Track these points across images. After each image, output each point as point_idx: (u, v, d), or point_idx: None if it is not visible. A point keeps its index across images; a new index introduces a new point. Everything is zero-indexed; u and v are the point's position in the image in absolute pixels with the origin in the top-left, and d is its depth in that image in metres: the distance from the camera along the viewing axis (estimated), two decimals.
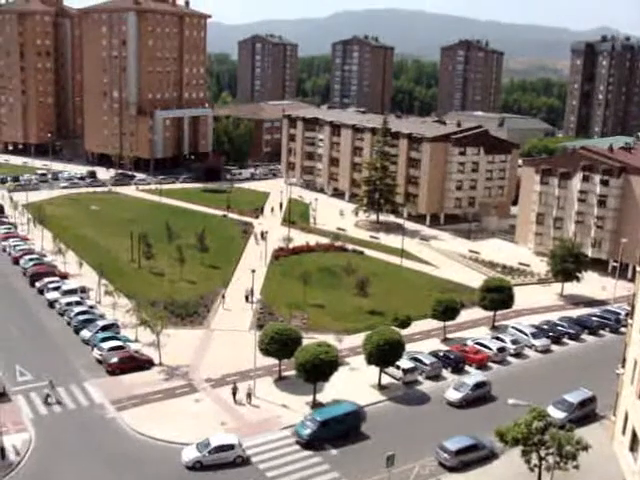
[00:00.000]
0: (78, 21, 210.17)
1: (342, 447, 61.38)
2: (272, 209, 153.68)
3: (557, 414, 65.22)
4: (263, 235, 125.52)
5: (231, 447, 58.25)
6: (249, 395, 69.10)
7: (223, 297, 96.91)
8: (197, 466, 57.40)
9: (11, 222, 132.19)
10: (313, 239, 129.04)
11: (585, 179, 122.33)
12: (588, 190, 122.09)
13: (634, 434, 56.95)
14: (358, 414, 64.38)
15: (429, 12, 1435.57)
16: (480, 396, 70.89)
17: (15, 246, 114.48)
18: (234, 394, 69.14)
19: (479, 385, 71.29)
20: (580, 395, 68.89)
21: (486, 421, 63.22)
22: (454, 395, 70.21)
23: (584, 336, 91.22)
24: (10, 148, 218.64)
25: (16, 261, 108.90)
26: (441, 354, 79.82)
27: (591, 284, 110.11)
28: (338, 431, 62.12)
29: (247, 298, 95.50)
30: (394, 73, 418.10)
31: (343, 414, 63.30)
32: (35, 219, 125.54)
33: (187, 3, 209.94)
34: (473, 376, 73.74)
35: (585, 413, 67.97)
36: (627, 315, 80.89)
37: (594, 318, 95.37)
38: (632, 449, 57.53)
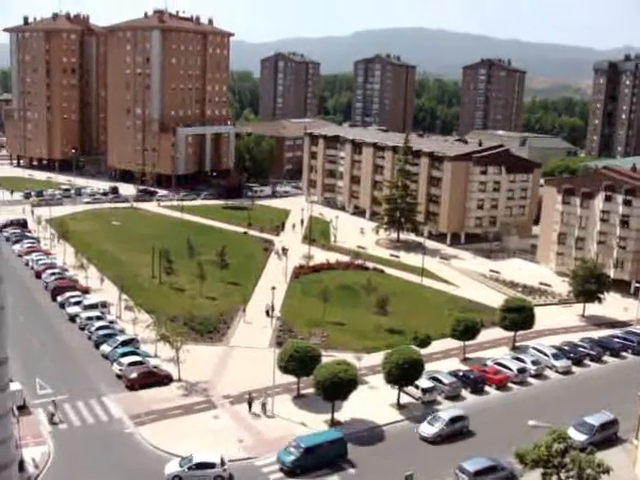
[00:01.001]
0: (104, 39, 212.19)
1: (361, 467, 61.06)
2: (293, 226, 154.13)
3: (578, 436, 64.59)
4: (284, 251, 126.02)
5: (212, 466, 57.78)
6: (263, 405, 69.72)
7: (244, 311, 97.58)
8: None
9: (34, 236, 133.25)
10: (333, 257, 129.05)
11: (607, 199, 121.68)
12: (610, 210, 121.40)
13: None
14: (344, 442, 62.23)
15: (452, 31, 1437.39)
16: (456, 431, 67.01)
17: (38, 260, 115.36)
18: (250, 404, 69.81)
19: (455, 419, 67.36)
20: (601, 418, 68.23)
21: (505, 443, 62.63)
22: (428, 430, 66.52)
23: (606, 358, 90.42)
24: (35, 163, 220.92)
25: (38, 275, 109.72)
26: (460, 374, 79.35)
27: (613, 305, 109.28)
28: (323, 458, 60.40)
29: (267, 313, 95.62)
30: (416, 92, 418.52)
31: (328, 441, 61.53)
32: (58, 234, 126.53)
33: (211, 21, 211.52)
34: (449, 410, 69.80)
35: (606, 436, 67.25)
36: None
37: (616, 339, 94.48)
38: None
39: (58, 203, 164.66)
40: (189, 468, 57.55)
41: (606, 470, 52.72)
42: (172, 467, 58.32)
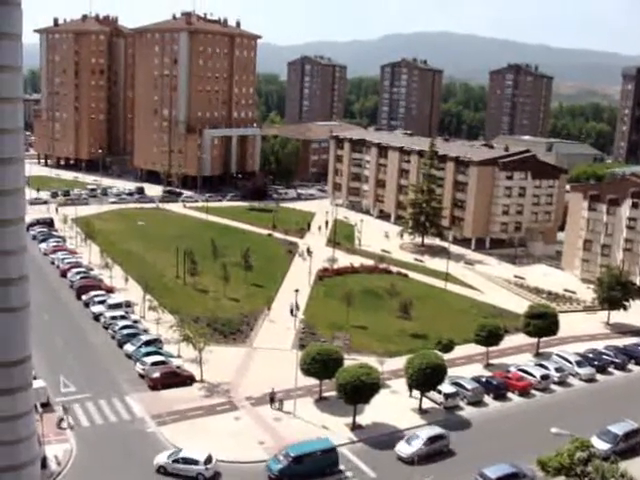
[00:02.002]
0: (132, 40, 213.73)
1: (380, 472, 60.90)
2: (319, 228, 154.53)
3: (601, 445, 63.98)
4: (309, 251, 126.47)
5: (195, 462, 58.33)
6: (281, 402, 70.78)
7: (269, 309, 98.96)
8: (161, 471, 58.70)
9: (60, 235, 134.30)
10: (357, 260, 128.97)
11: (634, 206, 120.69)
12: (637, 217, 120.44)
13: None
14: (335, 452, 60.69)
15: (480, 36, 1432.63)
16: (436, 451, 63.62)
17: (63, 259, 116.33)
18: (272, 400, 70.86)
19: (434, 439, 63.92)
20: (625, 427, 67.58)
21: (528, 450, 62.19)
22: (405, 449, 62.99)
23: (630, 366, 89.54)
24: (62, 163, 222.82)
25: (64, 274, 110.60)
26: (483, 380, 78.95)
27: (638, 313, 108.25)
28: (312, 468, 58.98)
29: (292, 312, 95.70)
30: (442, 96, 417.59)
31: (318, 451, 60.15)
32: (83, 233, 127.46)
33: (238, 24, 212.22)
34: (428, 429, 66.11)
35: (630, 445, 66.57)
36: None
37: None
38: None
39: (84, 203, 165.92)
40: (174, 461, 58.70)
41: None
42: (161, 457, 59.59)
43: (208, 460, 58.76)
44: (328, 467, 59.96)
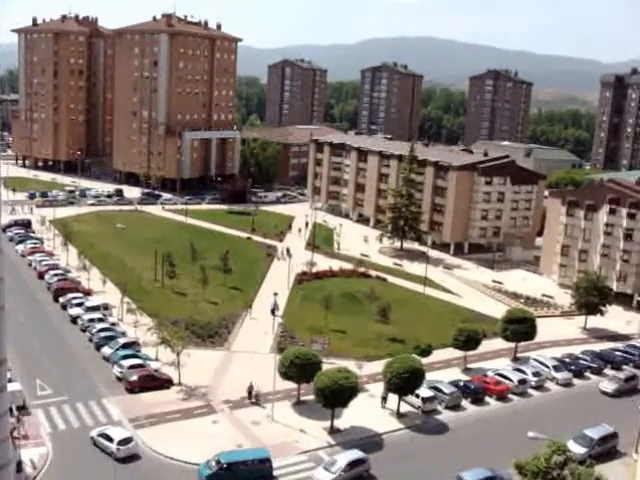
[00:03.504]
0: (112, 41, 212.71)
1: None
2: (299, 230, 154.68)
3: (577, 449, 64.45)
4: (289, 252, 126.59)
5: (111, 440, 61.05)
6: (257, 396, 72.06)
7: (250, 307, 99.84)
8: (92, 442, 62.59)
9: (38, 237, 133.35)
10: (336, 264, 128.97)
11: (612, 212, 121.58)
12: (614, 223, 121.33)
13: None
14: (270, 463, 59.40)
15: (460, 41, 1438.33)
16: (355, 477, 60.31)
17: (41, 261, 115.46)
18: (249, 393, 72.39)
19: (354, 464, 60.31)
20: (601, 431, 68.12)
21: (505, 454, 62.44)
22: (323, 476, 59.41)
23: (607, 371, 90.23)
24: (40, 164, 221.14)
25: (41, 276, 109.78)
26: (461, 384, 79.30)
27: (615, 318, 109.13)
28: (243, 477, 58.02)
29: (273, 311, 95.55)
30: (422, 101, 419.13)
31: (251, 460, 59.10)
32: (61, 235, 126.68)
33: (219, 26, 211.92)
34: (347, 453, 62.20)
35: (606, 449, 67.16)
36: None
37: (617, 353, 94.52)
38: None
39: (62, 204, 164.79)
40: (99, 435, 62.08)
41: None
42: (94, 431, 63.27)
43: (124, 441, 60.83)
44: (261, 478, 58.74)
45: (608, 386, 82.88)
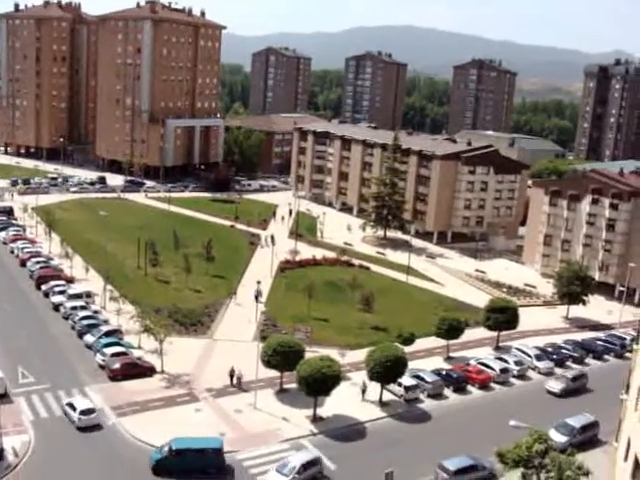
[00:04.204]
0: (95, 28, 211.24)
1: (341, 464, 61.07)
2: (282, 217, 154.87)
3: (559, 438, 64.89)
4: (273, 239, 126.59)
5: (74, 409, 64.14)
6: (239, 380, 72.89)
7: (235, 293, 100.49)
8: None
9: (20, 224, 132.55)
10: (320, 253, 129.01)
11: (594, 202, 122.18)
12: (597, 213, 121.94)
13: (636, 461, 56.41)
14: (221, 453, 58.76)
15: (444, 30, 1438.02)
16: (309, 478, 57.93)
17: (23, 248, 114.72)
18: (231, 377, 73.18)
19: (308, 465, 58.02)
20: (582, 420, 68.55)
21: (486, 442, 62.76)
22: None
23: (588, 360, 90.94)
24: (22, 151, 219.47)
25: (23, 263, 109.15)
26: (443, 373, 79.52)
27: (597, 308, 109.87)
28: (193, 464, 57.55)
29: (256, 298, 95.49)
30: (406, 90, 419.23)
31: (203, 448, 58.56)
32: (44, 222, 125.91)
33: (203, 14, 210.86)
34: (301, 454, 59.89)
35: (587, 438, 67.58)
36: (633, 340, 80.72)
37: (599, 342, 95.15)
38: (634, 476, 56.92)
39: (45, 192, 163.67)
40: (66, 404, 65.56)
41: (586, 472, 52.86)
42: (65, 400, 66.72)
43: (86, 412, 63.47)
44: (212, 467, 58.36)
45: (555, 386, 79.75)
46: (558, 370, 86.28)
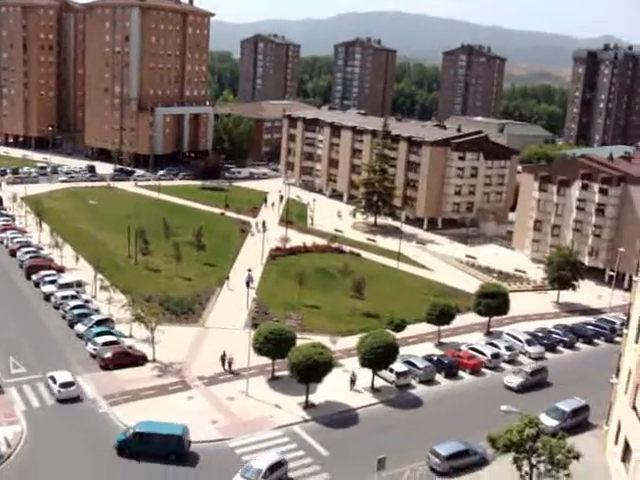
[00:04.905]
0: (82, 16, 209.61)
1: (333, 450, 61.32)
2: (272, 204, 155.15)
3: (549, 422, 65.22)
4: (264, 225, 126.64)
5: (55, 382, 66.82)
6: (230, 364, 73.67)
7: (227, 278, 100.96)
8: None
9: (9, 214, 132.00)
10: (310, 240, 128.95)
11: (584, 187, 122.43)
12: (587, 198, 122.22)
13: (626, 444, 56.93)
14: (181, 440, 58.30)
15: (433, 16, 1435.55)
16: None
17: (12, 238, 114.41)
18: (223, 361, 74.08)
19: (273, 467, 55.64)
20: (573, 404, 68.90)
21: (478, 427, 63.05)
22: None
23: (579, 344, 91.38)
24: (10, 140, 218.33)
25: (13, 253, 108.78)
26: (435, 358, 79.78)
27: (587, 292, 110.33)
28: (154, 448, 57.79)
29: (248, 284, 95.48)
30: (396, 76, 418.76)
31: (164, 434, 58.31)
32: (33, 212, 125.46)
33: (191, 1, 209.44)
34: (265, 457, 57.20)
35: (578, 422, 67.96)
36: (622, 325, 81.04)
37: (589, 327, 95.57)
38: (624, 459, 57.49)
39: (34, 181, 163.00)
40: (49, 377, 68.28)
41: (576, 456, 53.20)
42: (49, 373, 69.03)
43: (66, 384, 66.33)
44: (172, 453, 58.16)
45: (513, 380, 76.86)
46: (549, 355, 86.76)
